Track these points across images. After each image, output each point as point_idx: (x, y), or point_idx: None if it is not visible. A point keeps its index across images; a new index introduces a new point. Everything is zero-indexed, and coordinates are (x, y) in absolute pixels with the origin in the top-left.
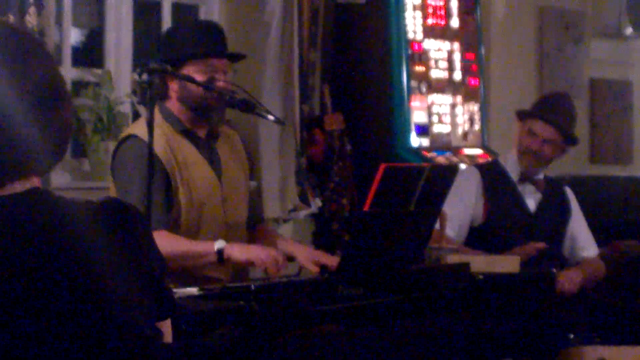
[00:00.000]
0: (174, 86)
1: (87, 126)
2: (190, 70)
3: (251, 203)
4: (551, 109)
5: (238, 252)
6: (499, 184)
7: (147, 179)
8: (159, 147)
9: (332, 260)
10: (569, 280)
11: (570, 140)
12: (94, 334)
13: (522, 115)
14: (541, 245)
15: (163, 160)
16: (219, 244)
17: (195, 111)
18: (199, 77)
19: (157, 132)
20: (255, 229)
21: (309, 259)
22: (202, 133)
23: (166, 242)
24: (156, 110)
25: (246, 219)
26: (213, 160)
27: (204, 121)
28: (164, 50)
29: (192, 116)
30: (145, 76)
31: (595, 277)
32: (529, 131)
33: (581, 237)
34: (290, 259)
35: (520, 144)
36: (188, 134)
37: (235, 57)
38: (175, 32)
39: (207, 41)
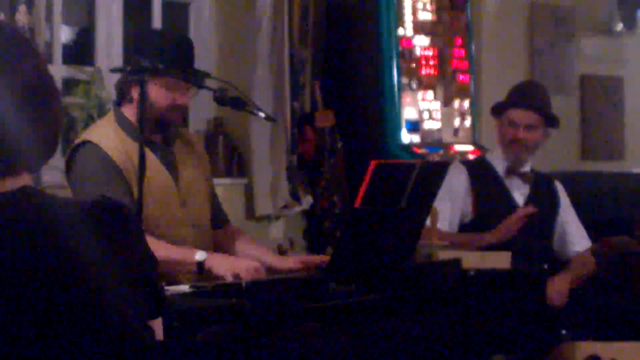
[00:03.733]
0: (137, 94)
1: (78, 124)
2: (152, 84)
3: (214, 204)
4: (524, 95)
5: (218, 265)
6: (486, 180)
7: (139, 180)
8: (114, 151)
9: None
10: (557, 294)
11: (551, 120)
12: (85, 333)
13: (497, 110)
14: (531, 210)
15: (119, 164)
16: (199, 256)
17: (154, 122)
18: (162, 93)
19: (112, 137)
20: (222, 229)
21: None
22: (156, 138)
23: None
24: (110, 116)
25: (210, 220)
26: (169, 164)
27: (160, 132)
28: (131, 59)
29: (150, 125)
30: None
31: (584, 275)
32: (509, 122)
33: (571, 231)
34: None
35: (504, 137)
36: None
37: (203, 75)
38: (142, 41)
39: (178, 57)
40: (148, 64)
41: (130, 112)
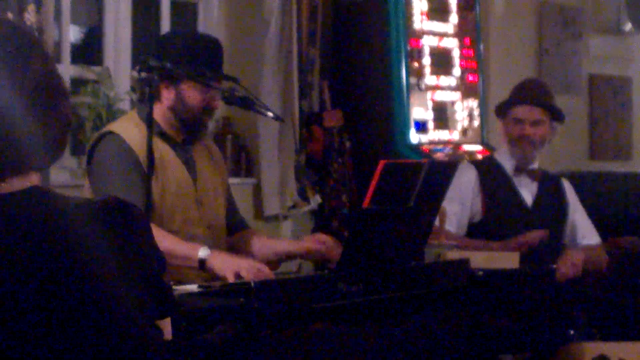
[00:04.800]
0: (168, 94)
1: (87, 124)
2: (186, 86)
3: (232, 210)
4: (527, 91)
5: (220, 264)
6: (494, 179)
7: (147, 176)
8: (136, 144)
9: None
10: (571, 265)
11: (556, 115)
12: (94, 333)
13: (501, 109)
14: (543, 233)
15: (140, 158)
16: (202, 253)
17: (184, 123)
18: (196, 95)
19: (135, 131)
20: (241, 233)
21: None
22: (179, 138)
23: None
24: (134, 112)
25: (225, 223)
26: (188, 163)
27: (189, 134)
28: (160, 60)
29: (177, 125)
30: (144, 74)
31: (596, 261)
32: (515, 120)
33: (581, 228)
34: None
35: (510, 135)
36: (165, 136)
37: (231, 79)
38: (174, 43)
39: (208, 62)
40: (185, 65)
41: (158, 111)
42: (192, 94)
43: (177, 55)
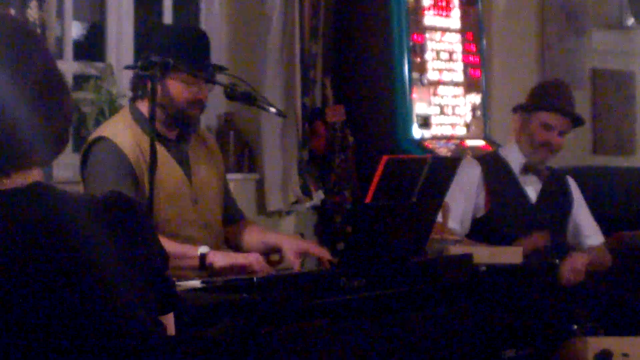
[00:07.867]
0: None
1: (89, 120)
2: (172, 79)
3: (228, 202)
4: (560, 99)
5: (220, 259)
6: (499, 176)
7: (150, 176)
8: (128, 148)
9: (320, 251)
10: (573, 271)
11: (578, 123)
12: (96, 328)
13: (528, 108)
14: (545, 237)
15: (132, 161)
16: (202, 249)
17: (173, 118)
18: (182, 88)
19: (127, 133)
20: (235, 224)
21: (295, 250)
22: (172, 135)
23: None
24: (126, 111)
25: (221, 219)
26: (182, 162)
27: (179, 128)
28: (146, 54)
29: (167, 121)
30: (137, 71)
31: (600, 263)
32: (543, 125)
33: (585, 226)
34: (276, 250)
35: (534, 138)
36: (158, 136)
37: (219, 69)
38: (159, 36)
39: (195, 52)
40: (167, 59)
41: (145, 107)
42: (176, 87)
43: (162, 48)
